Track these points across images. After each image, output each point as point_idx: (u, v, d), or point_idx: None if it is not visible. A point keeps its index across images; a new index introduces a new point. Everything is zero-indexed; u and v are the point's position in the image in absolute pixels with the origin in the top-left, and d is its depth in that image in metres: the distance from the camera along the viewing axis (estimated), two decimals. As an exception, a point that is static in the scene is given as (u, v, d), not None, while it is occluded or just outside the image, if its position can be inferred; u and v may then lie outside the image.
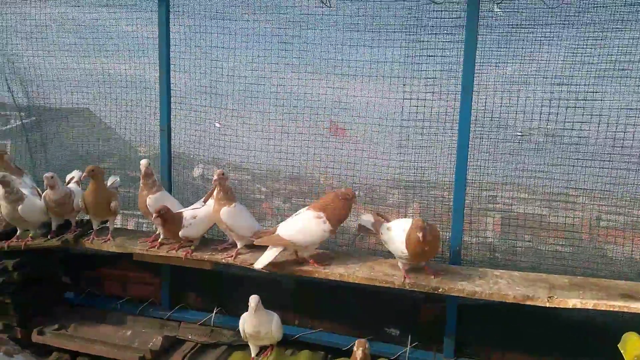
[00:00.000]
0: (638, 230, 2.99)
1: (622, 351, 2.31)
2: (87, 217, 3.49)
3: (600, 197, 3.01)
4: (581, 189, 3.01)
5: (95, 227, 3.44)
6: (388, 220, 2.87)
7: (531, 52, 2.96)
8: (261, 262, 2.89)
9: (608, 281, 2.77)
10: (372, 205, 3.42)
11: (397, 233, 2.70)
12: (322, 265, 2.92)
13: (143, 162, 3.26)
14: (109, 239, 3.38)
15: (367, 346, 2.38)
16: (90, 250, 3.45)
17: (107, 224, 3.45)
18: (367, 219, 2.94)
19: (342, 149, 3.40)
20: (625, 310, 2.47)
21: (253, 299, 2.80)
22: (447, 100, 3.06)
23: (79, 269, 3.89)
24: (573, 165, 2.95)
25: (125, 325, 3.59)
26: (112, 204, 3.31)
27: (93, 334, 3.41)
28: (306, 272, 2.95)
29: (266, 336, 2.88)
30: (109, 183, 3.48)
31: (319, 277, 2.93)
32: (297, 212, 2.97)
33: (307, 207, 2.95)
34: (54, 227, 3.44)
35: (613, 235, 3.00)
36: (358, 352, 2.28)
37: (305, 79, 3.36)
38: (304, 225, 2.88)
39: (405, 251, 2.65)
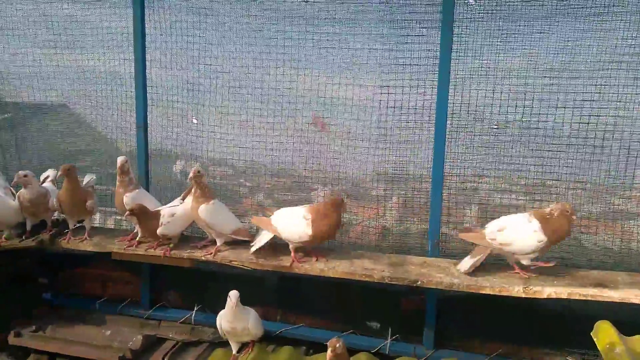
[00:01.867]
0: (613, 220, 3.05)
1: (595, 339, 2.36)
2: (63, 217, 3.43)
3: (576, 187, 3.06)
4: (557, 180, 3.05)
5: (71, 226, 3.39)
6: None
7: (507, 44, 2.98)
8: (255, 245, 2.97)
9: (582, 271, 2.82)
10: (355, 199, 3.44)
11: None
12: (299, 261, 2.92)
13: (119, 159, 3.21)
14: (86, 238, 3.33)
15: (337, 345, 2.37)
16: (68, 250, 3.39)
17: (84, 223, 3.40)
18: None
19: (324, 143, 3.40)
20: (598, 298, 2.52)
21: (234, 294, 2.80)
22: (424, 94, 3.08)
23: (56, 269, 3.84)
24: (548, 157, 2.99)
25: (105, 325, 3.55)
26: (88, 203, 3.26)
27: (72, 335, 3.38)
28: (286, 268, 2.95)
29: (244, 332, 2.88)
30: (84, 182, 3.42)
31: (300, 272, 2.94)
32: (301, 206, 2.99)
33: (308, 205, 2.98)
34: (28, 227, 3.38)
35: (588, 224, 3.04)
36: (328, 352, 2.28)
37: (286, 74, 3.34)
38: (290, 221, 2.91)
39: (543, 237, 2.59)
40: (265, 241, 2.98)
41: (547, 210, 2.66)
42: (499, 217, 2.83)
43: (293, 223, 2.89)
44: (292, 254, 2.96)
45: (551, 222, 2.62)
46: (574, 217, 2.66)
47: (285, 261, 2.95)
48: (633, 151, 2.90)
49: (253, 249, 2.99)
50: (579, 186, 3.04)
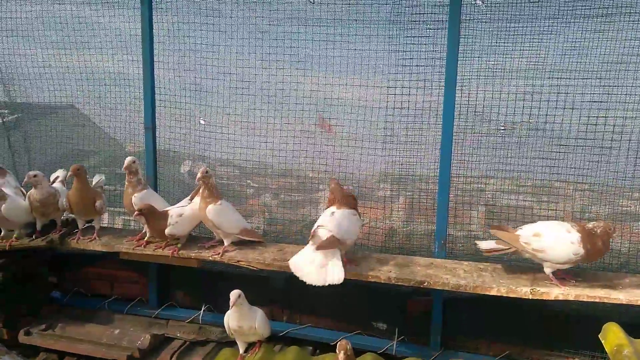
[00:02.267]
0: (621, 221, 3.04)
1: (602, 341, 2.35)
2: (72, 217, 3.46)
3: (583, 189, 3.05)
4: (564, 181, 3.05)
5: (80, 226, 3.42)
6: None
7: (514, 45, 2.98)
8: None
9: (589, 272, 2.81)
10: (361, 200, 3.44)
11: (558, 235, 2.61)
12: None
13: (127, 159, 3.24)
14: (95, 238, 3.36)
15: (348, 347, 2.37)
16: (77, 249, 3.43)
17: (93, 223, 3.42)
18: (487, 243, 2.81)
19: (330, 144, 3.41)
20: (606, 300, 2.51)
21: (233, 294, 2.79)
22: (431, 95, 3.08)
23: (65, 268, 3.87)
24: (556, 158, 2.98)
25: (113, 324, 3.58)
26: (97, 203, 3.29)
27: (80, 334, 3.40)
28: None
29: (250, 332, 2.89)
30: (94, 182, 3.46)
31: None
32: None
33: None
34: (38, 227, 3.41)
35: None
36: (340, 355, 2.26)
37: (293, 75, 3.36)
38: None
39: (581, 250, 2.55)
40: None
41: (590, 225, 2.61)
42: (505, 218, 2.83)
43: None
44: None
45: (592, 238, 2.56)
46: (614, 237, 2.63)
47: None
48: (641, 152, 2.90)
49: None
50: (586, 187, 3.03)
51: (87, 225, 3.47)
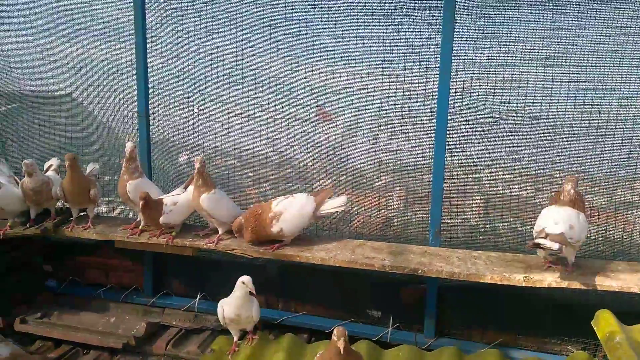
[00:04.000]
0: (616, 210, 3.04)
1: (595, 328, 2.36)
2: (67, 205, 3.45)
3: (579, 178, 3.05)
4: (559, 169, 3.05)
5: (75, 215, 3.41)
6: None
7: (508, 33, 2.96)
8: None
9: (583, 260, 2.82)
10: (359, 189, 3.44)
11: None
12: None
13: (128, 144, 3.22)
14: (89, 227, 3.36)
15: (346, 334, 2.37)
16: (71, 238, 3.42)
17: (87, 212, 3.42)
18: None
19: (326, 134, 3.39)
20: (599, 288, 2.53)
21: (248, 280, 2.75)
22: (425, 83, 3.06)
23: (60, 257, 3.86)
24: (551, 147, 2.98)
25: (109, 312, 3.59)
26: (92, 192, 3.28)
27: (76, 322, 3.41)
28: (288, 257, 2.97)
29: (247, 320, 2.89)
30: (87, 170, 3.44)
31: (301, 261, 2.96)
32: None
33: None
34: (32, 215, 3.40)
35: (591, 215, 3.03)
36: (340, 342, 2.24)
37: (288, 63, 3.33)
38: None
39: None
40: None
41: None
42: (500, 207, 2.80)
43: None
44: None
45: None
46: None
47: (287, 250, 2.97)
48: (636, 141, 2.89)
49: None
50: (582, 176, 3.02)
51: (81, 214, 3.46)
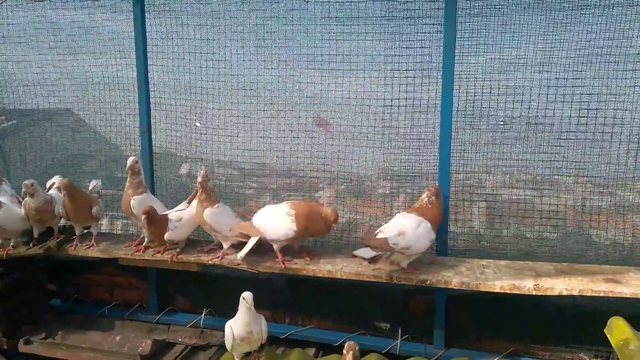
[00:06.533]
0: (622, 214, 3.01)
1: (608, 335, 2.33)
2: (70, 223, 3.43)
3: (584, 182, 3.02)
4: (566, 175, 3.02)
5: (78, 233, 3.39)
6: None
7: (511, 39, 2.95)
8: (242, 252, 2.94)
9: (593, 266, 2.79)
10: (362, 197, 3.41)
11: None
12: (286, 262, 2.94)
13: (130, 159, 3.19)
14: (93, 245, 3.33)
15: (357, 348, 2.34)
16: (75, 256, 3.39)
17: (91, 229, 3.39)
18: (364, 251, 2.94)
19: (329, 143, 3.37)
20: (610, 295, 2.49)
21: (248, 296, 2.66)
22: (428, 90, 3.05)
23: (64, 275, 3.84)
24: (555, 152, 2.96)
25: (114, 330, 3.55)
26: (94, 209, 3.26)
27: (81, 341, 3.37)
28: (294, 270, 2.93)
29: (257, 337, 2.79)
30: (90, 187, 3.42)
31: (307, 274, 2.92)
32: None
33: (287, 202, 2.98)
34: (35, 234, 3.38)
35: (598, 219, 3.01)
36: (348, 355, 2.21)
37: (289, 73, 3.33)
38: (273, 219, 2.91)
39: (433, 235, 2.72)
40: (251, 246, 2.94)
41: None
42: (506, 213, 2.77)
43: (276, 221, 2.88)
44: (279, 255, 2.96)
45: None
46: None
47: (293, 263, 2.94)
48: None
49: (240, 255, 2.93)
50: (587, 180, 3.00)
51: (84, 231, 3.43)
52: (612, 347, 2.45)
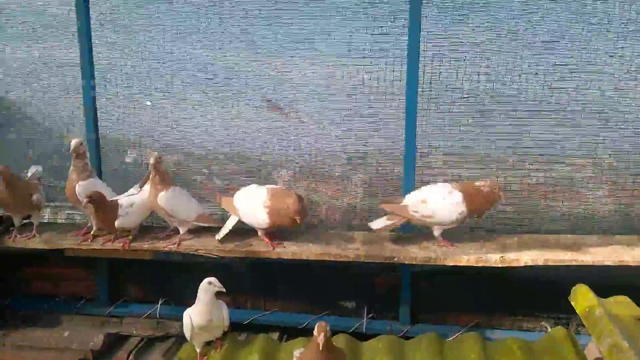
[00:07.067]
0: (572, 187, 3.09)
1: (572, 303, 2.37)
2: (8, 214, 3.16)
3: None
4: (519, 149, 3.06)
5: (17, 223, 3.13)
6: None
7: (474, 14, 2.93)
8: (221, 232, 2.87)
9: (554, 237, 2.86)
10: (320, 179, 3.34)
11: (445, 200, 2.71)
12: (275, 245, 2.85)
13: (74, 140, 2.95)
14: (34, 235, 3.10)
15: (328, 329, 2.25)
16: (14, 249, 3.14)
17: (32, 219, 3.15)
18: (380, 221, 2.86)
19: (286, 125, 3.28)
20: (574, 263, 2.56)
21: (215, 280, 2.52)
22: (393, 65, 3.00)
23: (3, 270, 3.54)
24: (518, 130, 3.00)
25: (61, 326, 3.32)
26: (35, 197, 3.02)
27: (25, 339, 3.14)
28: (257, 253, 2.84)
29: (218, 325, 2.67)
30: (29, 174, 3.16)
31: (271, 257, 2.83)
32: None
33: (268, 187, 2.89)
34: (-33, 227, 3.09)
35: (549, 192, 3.08)
36: (320, 337, 2.13)
37: (243, 54, 3.21)
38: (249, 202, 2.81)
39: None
40: (231, 226, 2.86)
41: (478, 184, 2.75)
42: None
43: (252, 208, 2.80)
44: (266, 239, 2.87)
45: (475, 197, 2.70)
46: (501, 195, 2.74)
47: (257, 246, 2.84)
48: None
49: (219, 236, 2.85)
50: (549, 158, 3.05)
51: (24, 221, 3.18)
52: (571, 313, 2.53)
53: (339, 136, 3.23)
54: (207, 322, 2.56)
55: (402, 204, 2.78)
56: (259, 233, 2.90)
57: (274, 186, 2.96)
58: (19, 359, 3.03)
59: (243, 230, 2.96)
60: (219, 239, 2.87)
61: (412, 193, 2.82)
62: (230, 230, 2.91)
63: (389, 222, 2.80)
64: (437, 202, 2.70)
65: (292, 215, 2.69)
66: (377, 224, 2.84)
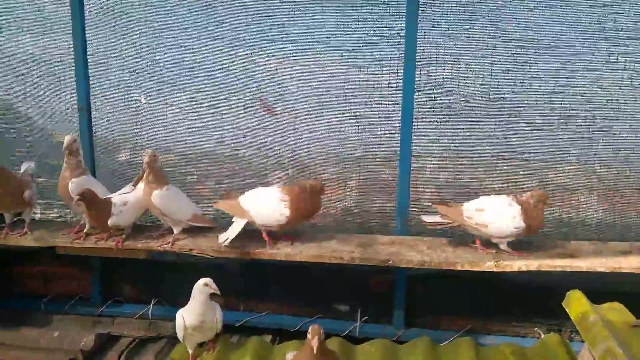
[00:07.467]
0: (569, 192, 3.09)
1: (567, 309, 2.37)
2: None
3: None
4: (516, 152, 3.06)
5: (7, 220, 3.09)
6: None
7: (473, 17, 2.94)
8: (229, 236, 2.80)
9: (550, 242, 2.85)
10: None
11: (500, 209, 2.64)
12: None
13: (67, 137, 2.92)
14: (26, 233, 3.06)
15: (322, 332, 2.24)
16: (5, 246, 3.11)
17: (23, 216, 3.10)
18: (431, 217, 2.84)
19: (280, 126, 3.26)
20: (568, 269, 2.56)
21: (210, 281, 2.50)
22: (389, 67, 3.00)
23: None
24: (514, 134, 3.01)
25: (51, 325, 3.28)
26: (27, 193, 2.98)
27: (14, 339, 3.11)
28: (251, 254, 2.81)
29: (211, 327, 2.65)
30: (21, 170, 3.13)
31: (265, 258, 2.81)
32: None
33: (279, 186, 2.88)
34: (-45, 224, 3.05)
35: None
36: (314, 340, 2.12)
37: (240, 54, 3.19)
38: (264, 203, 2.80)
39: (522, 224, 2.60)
40: (239, 230, 2.81)
41: (525, 196, 2.68)
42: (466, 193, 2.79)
43: (268, 205, 2.78)
44: (267, 239, 2.85)
45: (531, 211, 2.64)
46: (549, 203, 2.71)
47: (251, 247, 2.82)
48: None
49: (226, 241, 2.79)
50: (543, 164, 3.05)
51: (15, 218, 3.14)
52: (564, 319, 2.52)
53: (334, 138, 3.21)
54: (200, 323, 2.54)
55: (457, 207, 2.73)
56: (263, 234, 2.87)
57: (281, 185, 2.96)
58: (8, 359, 2.99)
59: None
60: (227, 244, 2.79)
61: (473, 200, 2.76)
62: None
63: (441, 220, 2.76)
64: (494, 213, 2.65)
65: (320, 192, 2.79)
66: (430, 218, 2.81)
